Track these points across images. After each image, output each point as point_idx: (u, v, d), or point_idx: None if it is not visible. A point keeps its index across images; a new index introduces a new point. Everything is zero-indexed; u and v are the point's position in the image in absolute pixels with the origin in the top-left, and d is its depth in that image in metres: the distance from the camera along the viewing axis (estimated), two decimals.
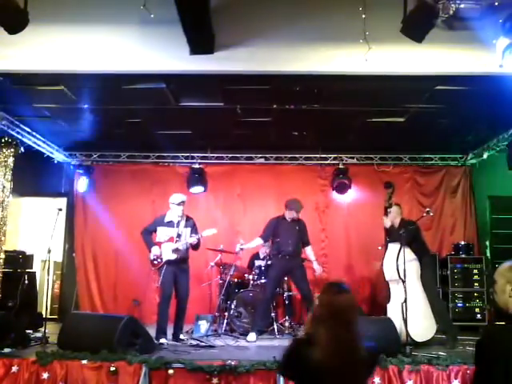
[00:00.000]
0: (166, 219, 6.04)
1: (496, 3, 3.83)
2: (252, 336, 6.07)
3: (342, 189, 8.22)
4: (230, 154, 8.41)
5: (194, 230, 6.01)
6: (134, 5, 4.06)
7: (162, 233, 5.99)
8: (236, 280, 7.03)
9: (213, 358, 4.61)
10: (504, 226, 7.48)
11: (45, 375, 4.30)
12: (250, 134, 7.61)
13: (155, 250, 5.88)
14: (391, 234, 5.88)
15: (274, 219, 6.61)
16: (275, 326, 6.55)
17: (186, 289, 6.01)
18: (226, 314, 6.65)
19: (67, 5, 4.60)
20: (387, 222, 5.95)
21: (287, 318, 7.02)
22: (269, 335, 6.53)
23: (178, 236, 5.93)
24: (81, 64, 4.70)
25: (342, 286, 2.32)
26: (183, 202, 6.00)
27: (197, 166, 8.27)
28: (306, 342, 2.21)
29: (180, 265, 5.93)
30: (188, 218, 6.13)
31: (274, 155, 8.41)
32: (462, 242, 7.81)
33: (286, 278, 7.42)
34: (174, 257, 5.84)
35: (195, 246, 6.03)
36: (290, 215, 6.48)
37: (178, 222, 6.00)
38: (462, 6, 3.76)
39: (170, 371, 4.25)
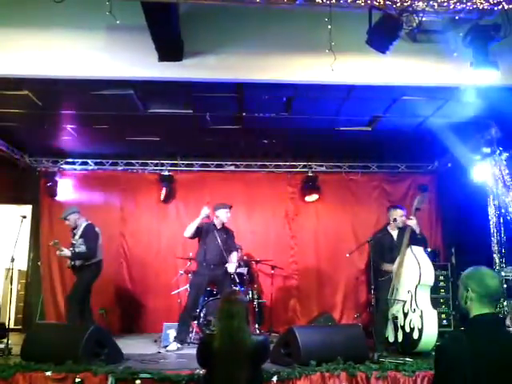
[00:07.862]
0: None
1: (456, 17, 3.97)
2: None
3: (311, 196, 8.32)
4: (200, 162, 8.40)
5: None
6: (101, 10, 4.02)
7: None
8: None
9: (181, 367, 4.56)
10: (469, 233, 7.63)
11: None
12: (219, 141, 7.61)
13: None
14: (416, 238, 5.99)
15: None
16: None
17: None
18: (195, 322, 6.60)
19: (32, 8, 4.53)
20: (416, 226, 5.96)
21: (257, 326, 7.01)
22: None
23: None
24: (46, 69, 4.62)
25: (234, 295, 3.37)
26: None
27: (166, 173, 8.22)
28: (210, 337, 3.47)
29: None
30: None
31: (244, 163, 8.42)
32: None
33: (256, 286, 7.44)
34: None
35: None
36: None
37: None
38: (424, 18, 3.86)
39: (137, 382, 4.18)
